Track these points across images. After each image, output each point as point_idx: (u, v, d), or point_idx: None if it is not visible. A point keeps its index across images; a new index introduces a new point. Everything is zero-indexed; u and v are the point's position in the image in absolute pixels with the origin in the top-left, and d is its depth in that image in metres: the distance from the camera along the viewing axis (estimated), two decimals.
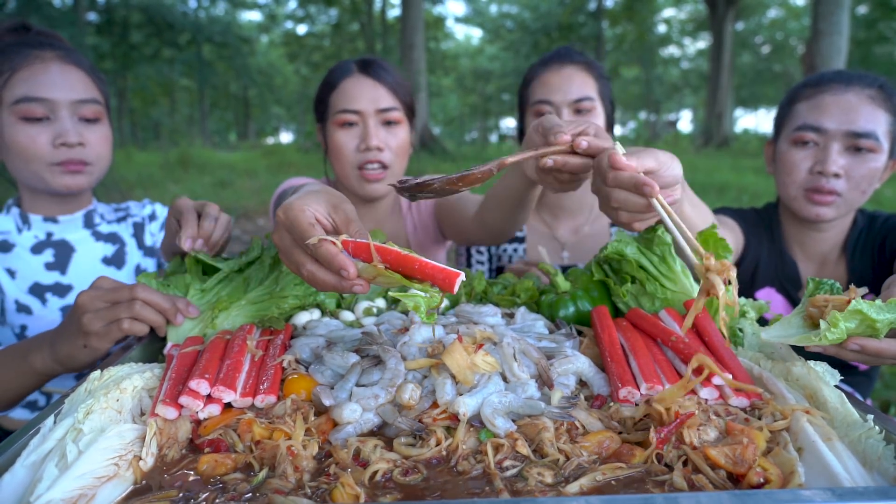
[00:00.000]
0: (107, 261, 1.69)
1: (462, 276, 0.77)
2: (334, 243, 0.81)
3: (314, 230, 0.84)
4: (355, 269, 0.80)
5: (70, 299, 1.60)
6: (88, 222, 1.68)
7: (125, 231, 1.77)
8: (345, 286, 0.82)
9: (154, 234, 1.83)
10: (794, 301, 1.73)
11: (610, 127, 1.95)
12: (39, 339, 1.15)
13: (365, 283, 0.82)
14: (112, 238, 1.72)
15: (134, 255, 1.75)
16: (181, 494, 0.69)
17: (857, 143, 1.55)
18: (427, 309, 0.78)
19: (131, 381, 0.88)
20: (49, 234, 1.62)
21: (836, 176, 1.56)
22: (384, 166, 1.77)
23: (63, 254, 1.62)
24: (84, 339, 1.06)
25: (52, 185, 1.54)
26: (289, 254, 0.87)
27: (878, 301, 0.85)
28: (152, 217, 1.86)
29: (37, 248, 1.60)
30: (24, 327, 1.55)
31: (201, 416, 0.83)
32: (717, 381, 0.85)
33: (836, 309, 0.85)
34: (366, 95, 1.75)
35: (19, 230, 1.60)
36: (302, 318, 1.17)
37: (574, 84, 1.84)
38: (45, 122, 1.50)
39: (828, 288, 0.95)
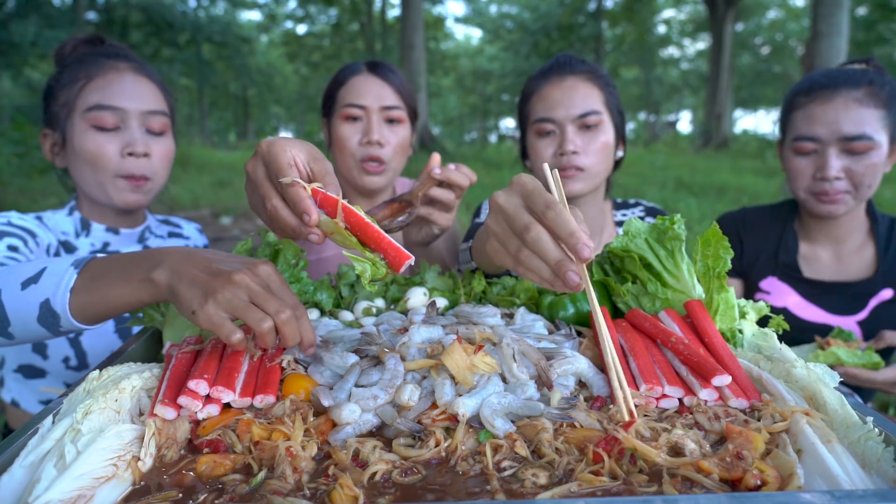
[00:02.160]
0: None
1: (411, 260, 0.82)
2: (304, 188, 0.85)
3: (291, 171, 0.86)
4: (317, 218, 0.83)
5: None
6: (141, 238, 1.71)
7: None
8: (303, 231, 0.84)
9: None
10: (798, 286, 1.79)
11: (622, 140, 1.83)
12: (174, 256, 0.92)
13: (321, 235, 0.85)
14: None
15: None
16: (180, 495, 0.69)
17: (850, 147, 1.62)
18: (371, 278, 0.82)
19: (130, 381, 0.87)
20: (105, 244, 1.64)
21: (838, 179, 1.64)
22: (383, 161, 1.82)
23: None
24: (199, 308, 0.85)
25: (113, 199, 1.56)
26: (259, 184, 0.89)
27: (856, 350, 1.50)
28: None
29: None
30: (79, 332, 1.52)
31: (200, 416, 0.83)
32: (716, 382, 0.85)
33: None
34: (372, 93, 1.82)
35: (77, 235, 1.61)
36: None
37: (577, 97, 1.69)
38: (115, 132, 1.53)
39: (846, 335, 1.60)
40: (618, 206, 1.96)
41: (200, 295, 0.86)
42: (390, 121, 1.84)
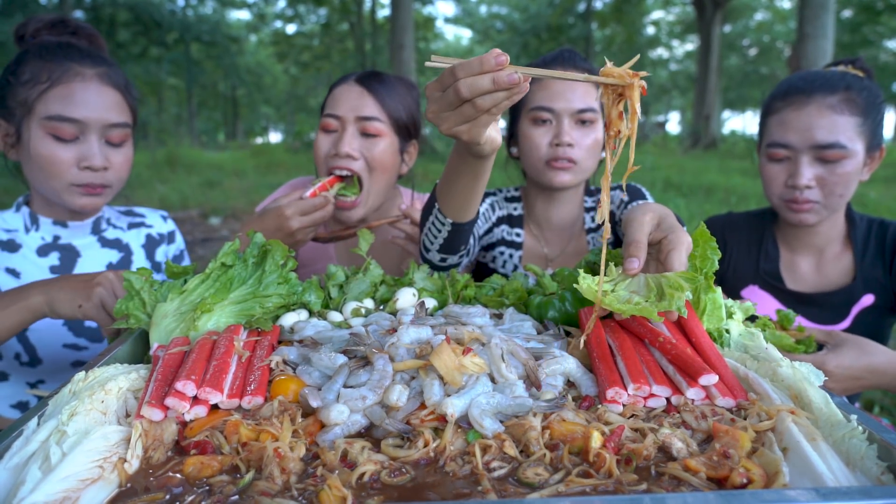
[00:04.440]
0: (111, 267, 1.67)
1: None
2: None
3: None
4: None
5: None
6: (95, 228, 1.67)
7: (135, 239, 1.76)
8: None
9: (168, 256, 1.83)
10: (779, 294, 1.77)
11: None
12: (41, 282, 1.30)
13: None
14: (118, 244, 1.71)
15: (141, 265, 1.73)
16: (167, 497, 0.68)
17: (822, 155, 1.58)
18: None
19: (116, 382, 0.87)
20: (56, 238, 1.61)
21: (809, 188, 1.60)
22: (351, 174, 1.74)
23: (68, 258, 1.61)
24: (86, 301, 1.24)
25: (68, 204, 1.53)
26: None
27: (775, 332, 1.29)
28: (171, 240, 1.85)
29: (43, 251, 1.58)
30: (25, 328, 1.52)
31: (187, 417, 0.83)
32: (703, 381, 0.85)
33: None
34: (349, 102, 1.75)
35: (27, 230, 1.59)
36: (289, 319, 1.16)
37: (577, 93, 1.71)
38: (73, 143, 1.49)
39: (788, 319, 1.40)
40: (590, 193, 1.97)
41: (80, 295, 1.25)
42: (368, 133, 1.75)
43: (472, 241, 1.61)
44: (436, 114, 1.02)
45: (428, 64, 0.98)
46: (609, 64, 0.95)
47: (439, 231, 1.40)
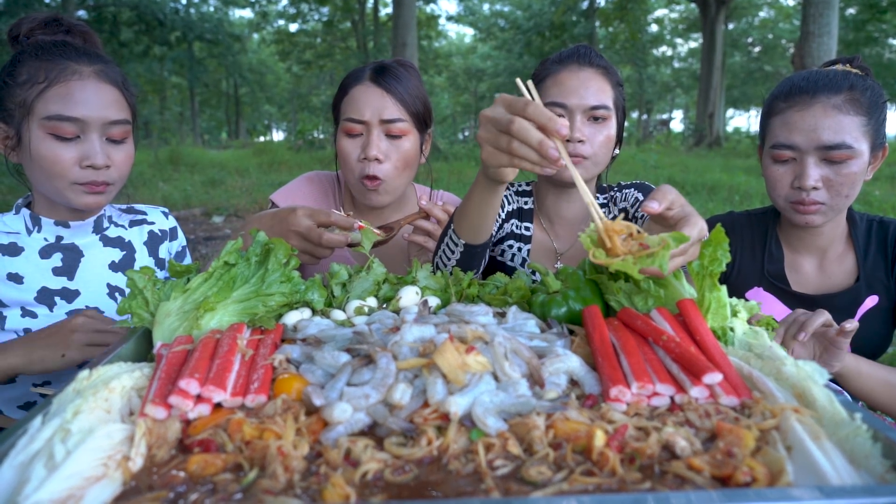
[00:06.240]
0: (114, 266, 1.67)
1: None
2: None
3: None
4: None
5: (77, 304, 1.59)
6: (97, 227, 1.67)
7: (137, 237, 1.76)
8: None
9: (170, 253, 1.83)
10: (784, 296, 1.75)
11: (619, 140, 1.85)
12: (13, 341, 1.38)
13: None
14: (120, 242, 1.71)
15: (144, 262, 1.74)
16: (171, 495, 0.68)
17: (828, 156, 1.56)
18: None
19: (120, 380, 0.87)
20: (59, 238, 1.61)
21: (815, 188, 1.59)
22: (378, 178, 1.78)
23: (71, 259, 1.61)
24: (66, 349, 1.33)
25: (72, 202, 1.53)
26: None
27: None
28: (172, 236, 1.85)
29: (45, 252, 1.58)
30: (28, 331, 1.52)
31: (191, 415, 0.83)
32: (707, 379, 0.85)
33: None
34: (371, 105, 1.76)
35: (28, 232, 1.59)
36: (292, 317, 1.17)
37: (591, 89, 1.73)
38: (74, 141, 1.48)
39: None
40: (602, 190, 1.98)
41: (58, 343, 1.35)
42: (392, 134, 1.78)
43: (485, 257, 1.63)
44: (486, 119, 1.09)
45: (517, 80, 1.08)
46: (620, 219, 1.01)
47: (452, 252, 1.46)
